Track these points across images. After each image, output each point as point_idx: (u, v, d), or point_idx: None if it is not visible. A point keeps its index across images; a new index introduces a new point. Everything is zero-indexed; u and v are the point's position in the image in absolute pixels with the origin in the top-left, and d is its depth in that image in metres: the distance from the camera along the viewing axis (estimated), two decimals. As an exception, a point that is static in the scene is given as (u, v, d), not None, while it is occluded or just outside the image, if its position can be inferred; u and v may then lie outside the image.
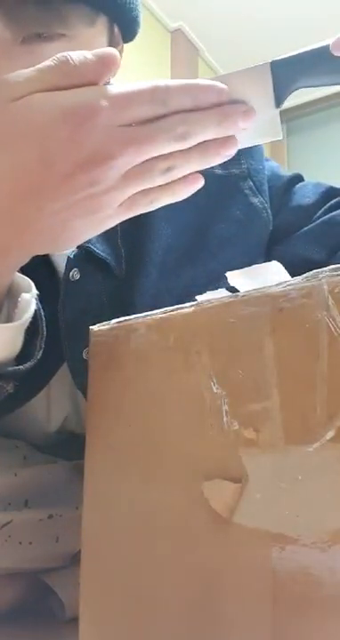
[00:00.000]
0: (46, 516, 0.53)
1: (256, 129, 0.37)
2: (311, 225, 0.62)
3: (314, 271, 0.28)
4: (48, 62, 0.33)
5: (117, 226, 0.37)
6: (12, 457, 0.56)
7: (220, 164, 0.37)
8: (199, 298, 0.33)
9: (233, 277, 0.34)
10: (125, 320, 0.37)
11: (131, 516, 0.34)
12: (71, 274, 0.52)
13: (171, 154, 0.34)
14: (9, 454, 0.57)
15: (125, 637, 0.34)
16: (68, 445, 0.60)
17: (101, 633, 0.35)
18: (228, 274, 0.34)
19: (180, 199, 0.37)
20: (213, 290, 0.34)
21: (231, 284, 0.34)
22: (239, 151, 0.37)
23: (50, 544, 0.53)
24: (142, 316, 0.35)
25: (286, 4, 2.79)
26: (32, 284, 0.41)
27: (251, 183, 0.62)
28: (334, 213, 0.62)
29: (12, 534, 0.51)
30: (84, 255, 0.53)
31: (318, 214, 0.63)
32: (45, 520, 0.53)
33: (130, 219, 0.37)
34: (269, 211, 0.62)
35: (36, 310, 0.41)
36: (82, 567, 0.37)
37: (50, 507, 0.54)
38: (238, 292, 0.31)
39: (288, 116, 3.68)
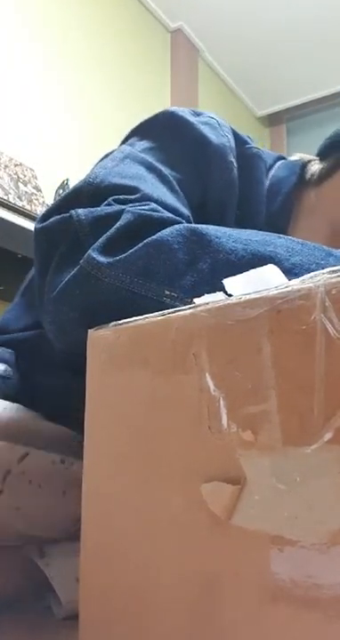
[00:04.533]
0: (59, 460, 0.54)
1: None
2: None
3: (312, 273, 0.28)
4: None
5: None
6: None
7: None
8: (197, 300, 0.33)
9: (230, 283, 0.34)
10: (124, 322, 0.37)
11: (130, 517, 0.34)
12: None
13: None
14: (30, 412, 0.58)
15: (124, 637, 0.34)
16: None
17: (100, 633, 0.35)
18: (225, 280, 0.34)
19: None
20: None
21: (229, 291, 0.34)
22: None
23: (57, 496, 0.54)
24: (141, 318, 0.35)
25: (286, 4, 2.79)
26: None
27: None
28: None
29: (26, 471, 0.52)
30: None
31: None
32: (58, 464, 0.54)
33: None
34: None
35: None
36: (81, 567, 0.37)
37: (63, 454, 0.55)
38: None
39: (288, 116, 3.69)
